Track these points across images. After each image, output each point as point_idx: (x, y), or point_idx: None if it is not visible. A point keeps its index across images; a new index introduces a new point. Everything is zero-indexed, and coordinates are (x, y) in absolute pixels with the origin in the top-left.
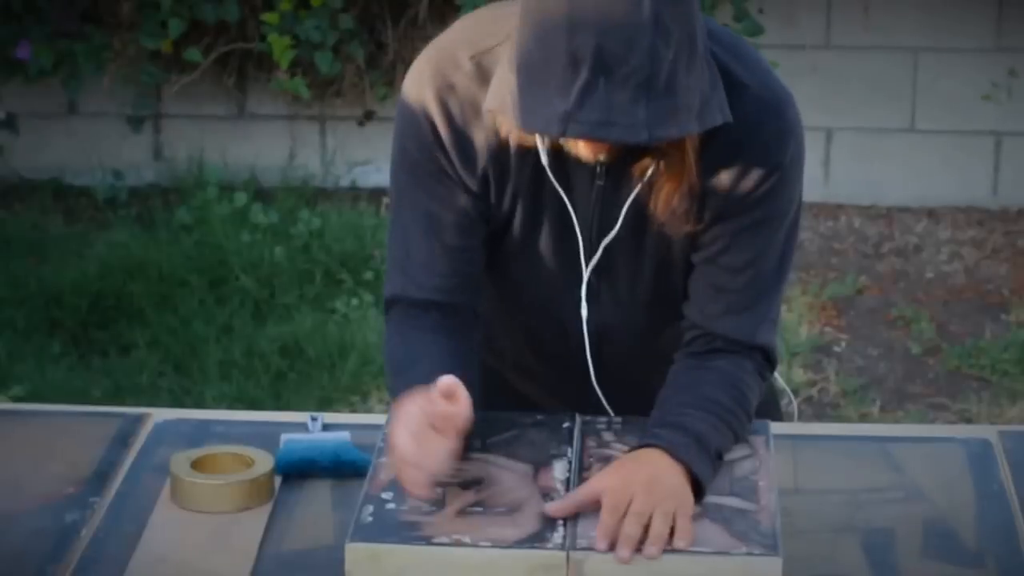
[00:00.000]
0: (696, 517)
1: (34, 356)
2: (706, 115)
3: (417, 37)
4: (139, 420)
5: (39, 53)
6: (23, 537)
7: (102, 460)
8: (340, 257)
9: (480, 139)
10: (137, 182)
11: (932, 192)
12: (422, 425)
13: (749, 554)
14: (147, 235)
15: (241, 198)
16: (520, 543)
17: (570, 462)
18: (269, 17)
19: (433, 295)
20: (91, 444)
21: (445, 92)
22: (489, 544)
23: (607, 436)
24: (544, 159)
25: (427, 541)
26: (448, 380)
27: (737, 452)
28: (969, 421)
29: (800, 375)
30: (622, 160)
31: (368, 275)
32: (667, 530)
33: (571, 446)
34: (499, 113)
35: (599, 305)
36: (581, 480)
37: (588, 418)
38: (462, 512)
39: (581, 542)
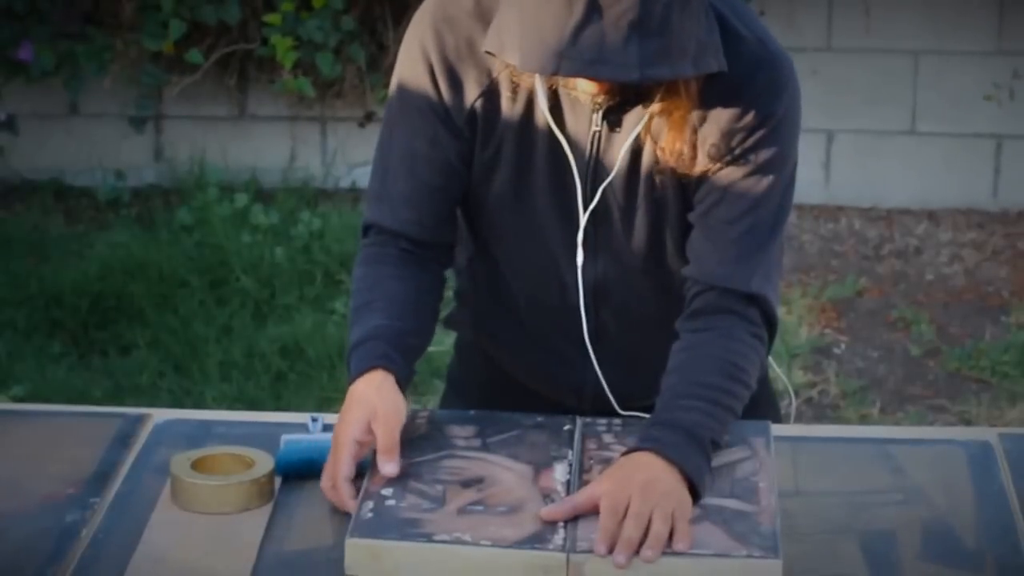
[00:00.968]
0: (696, 519)
1: (34, 356)
2: (701, 60)
3: None
4: (139, 420)
5: (41, 54)
6: (23, 537)
7: (102, 460)
8: (340, 258)
9: (472, 76)
10: (138, 183)
11: (932, 194)
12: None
13: (749, 556)
14: (148, 236)
15: (242, 199)
16: (520, 543)
17: (571, 464)
18: (271, 18)
19: (405, 228)
20: (91, 444)
21: (442, 25)
22: (490, 543)
23: (607, 439)
24: (543, 103)
25: (427, 538)
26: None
27: (737, 454)
28: (969, 423)
29: (800, 377)
30: (619, 107)
31: None
32: (666, 531)
33: (572, 448)
34: (497, 53)
35: (595, 258)
36: (582, 482)
37: (589, 420)
38: (462, 510)
39: (582, 544)
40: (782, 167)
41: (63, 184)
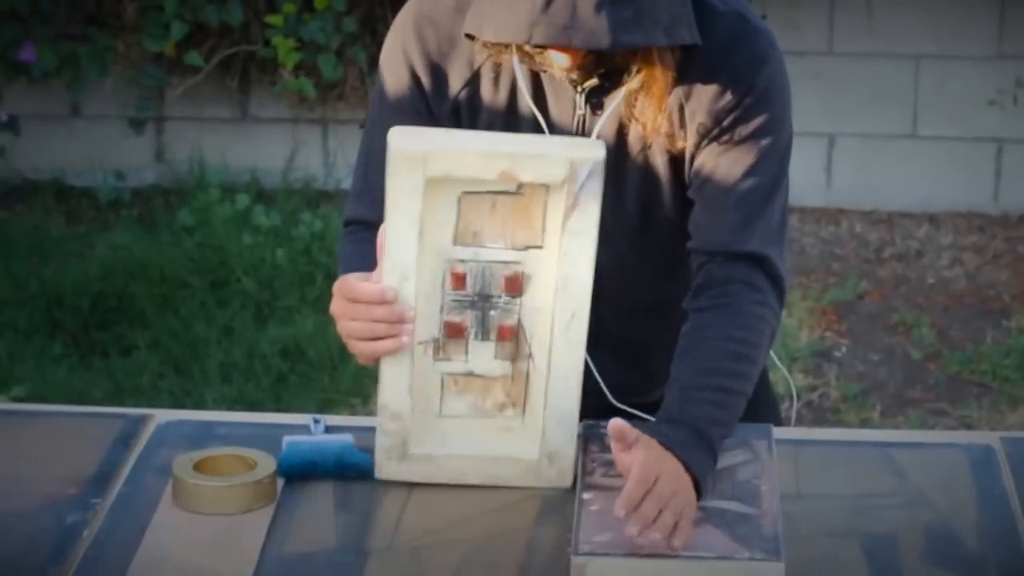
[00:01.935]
0: (698, 521)
1: (35, 357)
2: (673, 30)
3: None
4: (141, 421)
5: (43, 55)
6: (24, 538)
7: (104, 461)
8: None
9: (455, 70)
10: (139, 184)
11: (933, 198)
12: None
13: (751, 558)
14: (149, 237)
15: (243, 200)
16: None
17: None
18: (273, 19)
19: None
20: (93, 445)
21: (423, 23)
22: None
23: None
24: (525, 88)
25: None
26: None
27: (739, 456)
28: (969, 427)
29: (801, 380)
30: (600, 89)
31: None
32: (672, 524)
33: None
34: (474, 32)
35: None
36: (585, 485)
37: (591, 422)
38: None
39: (583, 547)
40: (773, 136)
41: (64, 185)
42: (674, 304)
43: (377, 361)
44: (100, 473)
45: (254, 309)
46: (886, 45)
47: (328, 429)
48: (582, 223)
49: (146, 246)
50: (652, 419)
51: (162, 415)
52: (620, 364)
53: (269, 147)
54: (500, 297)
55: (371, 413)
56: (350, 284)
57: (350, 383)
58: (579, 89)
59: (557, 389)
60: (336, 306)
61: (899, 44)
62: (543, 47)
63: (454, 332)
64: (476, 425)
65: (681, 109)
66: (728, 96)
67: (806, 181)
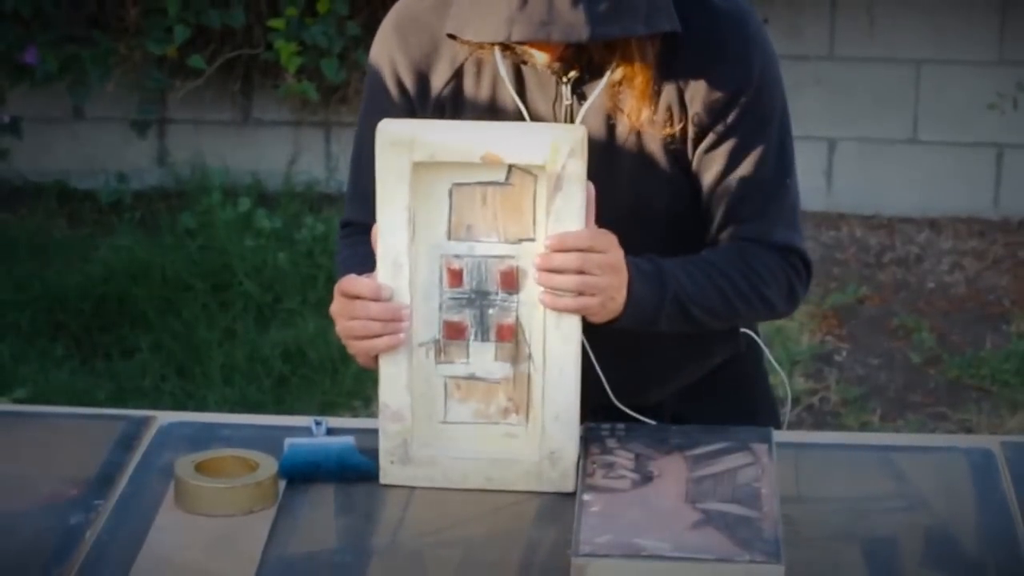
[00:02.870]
0: (699, 523)
1: (37, 359)
2: (652, 19)
3: None
4: (143, 423)
5: (45, 58)
6: (27, 539)
7: (106, 463)
8: None
9: (439, 68)
10: (141, 186)
11: (934, 202)
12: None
13: (752, 561)
14: (151, 239)
15: (245, 203)
16: None
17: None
18: (276, 23)
19: None
20: (95, 446)
21: (406, 26)
22: None
23: (611, 443)
24: (507, 81)
25: None
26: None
27: (739, 460)
28: (969, 431)
29: (801, 383)
30: (584, 79)
31: None
32: (570, 293)
33: None
34: (456, 33)
35: None
36: (585, 486)
37: (592, 424)
38: None
39: (584, 548)
40: (770, 117)
41: (67, 187)
42: None
43: (377, 363)
44: (102, 474)
45: (256, 312)
46: (887, 50)
47: (329, 431)
48: (566, 205)
49: (148, 249)
50: (653, 423)
51: (164, 417)
52: (615, 361)
53: (271, 150)
54: (497, 294)
55: (372, 415)
56: (348, 280)
57: (351, 385)
58: (564, 80)
59: (554, 383)
60: (335, 305)
61: (900, 49)
62: (523, 43)
63: (454, 333)
64: (480, 432)
65: (681, 99)
66: (724, 91)
67: (807, 185)
